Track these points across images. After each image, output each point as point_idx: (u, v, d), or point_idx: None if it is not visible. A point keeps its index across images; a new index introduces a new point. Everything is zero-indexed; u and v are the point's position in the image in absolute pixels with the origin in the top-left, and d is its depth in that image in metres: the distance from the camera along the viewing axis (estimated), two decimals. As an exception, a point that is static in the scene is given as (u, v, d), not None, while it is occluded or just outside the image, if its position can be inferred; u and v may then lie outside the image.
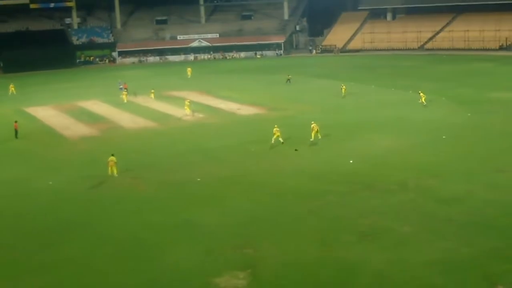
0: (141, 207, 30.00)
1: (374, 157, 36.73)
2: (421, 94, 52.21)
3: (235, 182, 33.11)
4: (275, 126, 41.24)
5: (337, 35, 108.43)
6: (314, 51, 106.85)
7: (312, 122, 41.44)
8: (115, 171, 34.87)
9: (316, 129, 40.72)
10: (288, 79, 68.05)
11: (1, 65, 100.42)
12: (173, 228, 26.77)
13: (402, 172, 33.25)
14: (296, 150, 38.90)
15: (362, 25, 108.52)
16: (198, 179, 33.73)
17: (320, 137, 40.93)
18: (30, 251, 25.10)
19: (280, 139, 40.29)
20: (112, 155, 35.45)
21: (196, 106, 54.73)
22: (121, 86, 65.99)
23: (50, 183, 34.73)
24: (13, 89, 70.29)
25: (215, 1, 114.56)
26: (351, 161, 35.69)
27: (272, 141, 40.46)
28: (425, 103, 51.59)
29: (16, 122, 47.90)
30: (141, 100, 62.70)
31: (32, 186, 34.36)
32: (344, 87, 56.93)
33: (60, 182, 34.81)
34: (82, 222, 28.13)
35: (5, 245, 25.90)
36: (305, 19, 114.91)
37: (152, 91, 63.26)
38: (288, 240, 24.75)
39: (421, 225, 25.55)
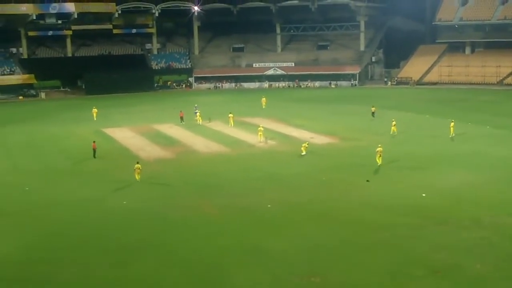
0: (210, 229, 30.41)
1: (447, 191, 36.01)
2: (452, 124, 52.75)
3: (305, 210, 33.14)
4: (306, 142, 48.29)
5: (413, 68, 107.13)
6: (389, 82, 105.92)
7: (379, 146, 42.93)
8: (137, 177, 40.15)
9: (379, 154, 42.20)
10: (373, 113, 65.32)
11: (83, 86, 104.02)
12: (240, 253, 26.99)
13: (476, 208, 32.45)
14: (367, 181, 38.65)
15: (439, 58, 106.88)
16: (269, 205, 33.91)
17: (380, 162, 42.14)
18: (102, 268, 25.82)
19: (303, 152, 46.61)
20: (137, 162, 41.13)
21: (269, 133, 55.14)
22: (196, 111, 67.26)
23: (124, 202, 35.68)
24: (95, 114, 71.03)
25: (292, 31, 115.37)
26: (423, 195, 35.11)
27: (303, 153, 46.67)
28: (452, 135, 52.22)
29: (94, 142, 49.52)
30: (215, 125, 63.65)
31: (107, 205, 35.39)
32: (394, 122, 55.15)
33: (133, 202, 35.72)
34: (152, 242, 28.74)
35: (78, 262, 26.71)
36: (381, 50, 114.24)
37: (231, 115, 63.54)
38: (356, 271, 24.55)
39: (494, 263, 24.84)
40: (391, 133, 54.50)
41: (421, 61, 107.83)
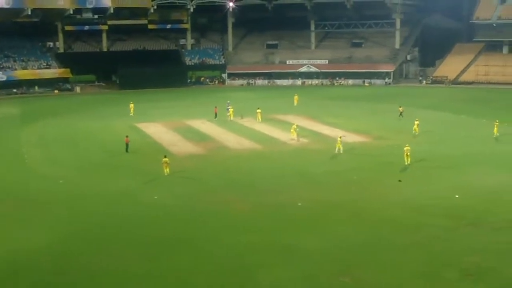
0: (241, 226, 30.39)
1: (481, 192, 35.40)
2: (496, 124, 51.61)
3: (336, 209, 32.89)
4: (340, 136, 47.91)
5: (449, 66, 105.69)
6: (424, 81, 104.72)
7: (406, 145, 42.68)
8: (168, 170, 40.55)
9: (407, 153, 41.97)
10: (401, 113, 63.61)
11: (118, 81, 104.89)
12: (270, 250, 26.86)
13: None
14: (400, 181, 38.19)
15: (476, 57, 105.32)
16: (299, 204, 33.74)
17: (409, 162, 41.77)
18: (135, 261, 25.93)
19: (341, 150, 46.28)
20: (165, 156, 41.51)
21: (301, 131, 54.83)
22: (228, 107, 67.28)
23: (156, 197, 35.84)
24: (132, 109, 70.94)
25: (326, 28, 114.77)
26: (456, 196, 34.55)
27: (336, 151, 46.19)
28: (496, 134, 51.06)
29: (127, 136, 49.81)
30: (247, 122, 63.60)
31: (138, 200, 35.56)
32: (417, 122, 54.27)
33: (164, 197, 35.87)
34: (183, 237, 28.79)
35: (112, 255, 26.94)
36: (416, 49, 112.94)
37: (259, 110, 63.74)
38: (387, 271, 24.26)
39: (529, 268, 24.33)
40: (416, 132, 53.43)
41: (457, 60, 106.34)
